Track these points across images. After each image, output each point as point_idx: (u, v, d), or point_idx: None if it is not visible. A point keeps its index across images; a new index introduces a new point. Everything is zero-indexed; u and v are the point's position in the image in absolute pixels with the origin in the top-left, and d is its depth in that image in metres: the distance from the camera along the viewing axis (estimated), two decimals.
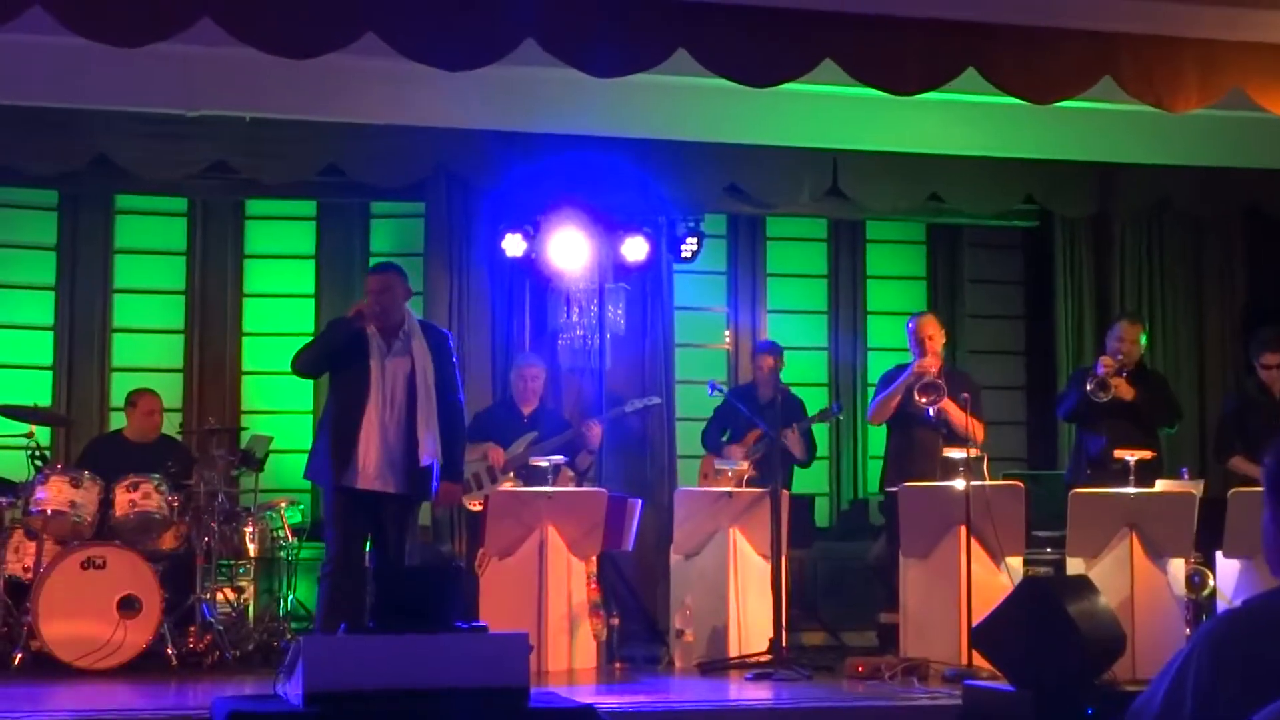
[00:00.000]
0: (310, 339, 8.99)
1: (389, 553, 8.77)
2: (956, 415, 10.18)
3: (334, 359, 8.81)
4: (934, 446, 9.99)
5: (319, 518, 10.13)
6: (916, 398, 10.15)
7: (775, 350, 11.54)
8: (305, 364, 9.07)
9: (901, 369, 10.54)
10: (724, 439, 11.44)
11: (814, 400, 11.98)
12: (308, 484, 10.64)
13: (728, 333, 13.06)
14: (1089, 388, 10.28)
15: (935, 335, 10.48)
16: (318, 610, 8.93)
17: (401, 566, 8.82)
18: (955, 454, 9.50)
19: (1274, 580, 3.00)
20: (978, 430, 10.35)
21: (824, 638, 11.52)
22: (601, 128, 11.34)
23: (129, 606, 9.34)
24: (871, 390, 12.88)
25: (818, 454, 11.66)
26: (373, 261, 12.40)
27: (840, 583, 12.27)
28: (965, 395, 10.13)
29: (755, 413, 10.75)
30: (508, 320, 12.04)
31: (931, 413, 10.13)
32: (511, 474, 10.66)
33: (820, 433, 12.55)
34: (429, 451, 8.69)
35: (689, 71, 9.36)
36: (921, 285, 13.56)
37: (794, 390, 11.47)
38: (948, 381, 10.23)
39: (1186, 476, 10.62)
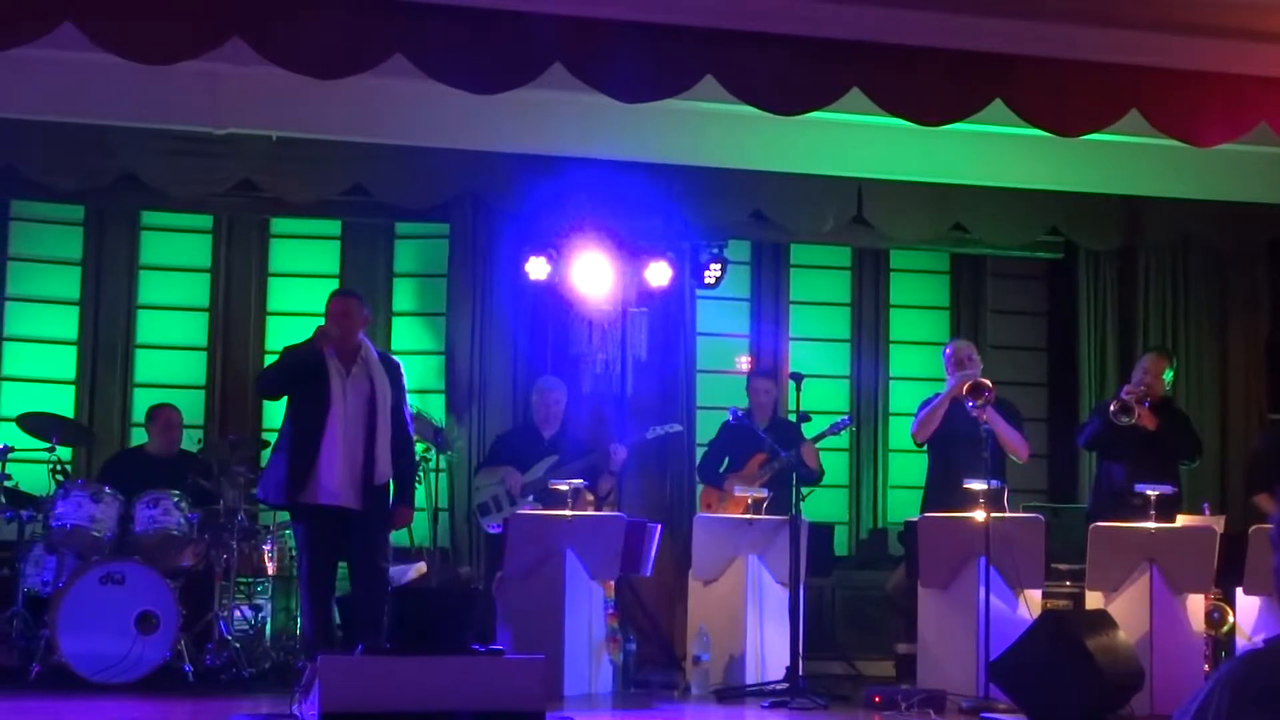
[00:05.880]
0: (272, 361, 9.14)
1: (364, 571, 8.87)
2: (1002, 425, 10.15)
3: (295, 380, 8.93)
4: (973, 469, 9.77)
5: None
6: (965, 395, 9.99)
7: (775, 377, 11.51)
8: (268, 385, 9.42)
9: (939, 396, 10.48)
10: (722, 469, 11.38)
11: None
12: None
13: (740, 358, 13.01)
14: (1112, 409, 10.27)
15: (974, 356, 10.47)
16: (303, 642, 8.94)
17: (380, 584, 8.86)
18: (976, 484, 9.46)
19: None
20: (1022, 446, 10.36)
21: (841, 667, 11.49)
22: (627, 153, 11.37)
23: (147, 622, 9.35)
24: (894, 420, 12.93)
25: (836, 483, 11.61)
26: (397, 283, 12.46)
27: (858, 612, 12.25)
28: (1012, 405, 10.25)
29: (764, 437, 10.75)
30: (530, 343, 12.05)
31: (979, 416, 9.86)
32: (531, 497, 10.65)
33: (840, 461, 12.53)
34: (384, 471, 8.86)
35: (715, 98, 9.40)
36: (945, 315, 13.53)
37: (803, 425, 11.37)
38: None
39: (1208, 511, 10.59)
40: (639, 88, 9.19)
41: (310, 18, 8.58)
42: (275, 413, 12.05)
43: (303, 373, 8.82)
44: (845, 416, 11.67)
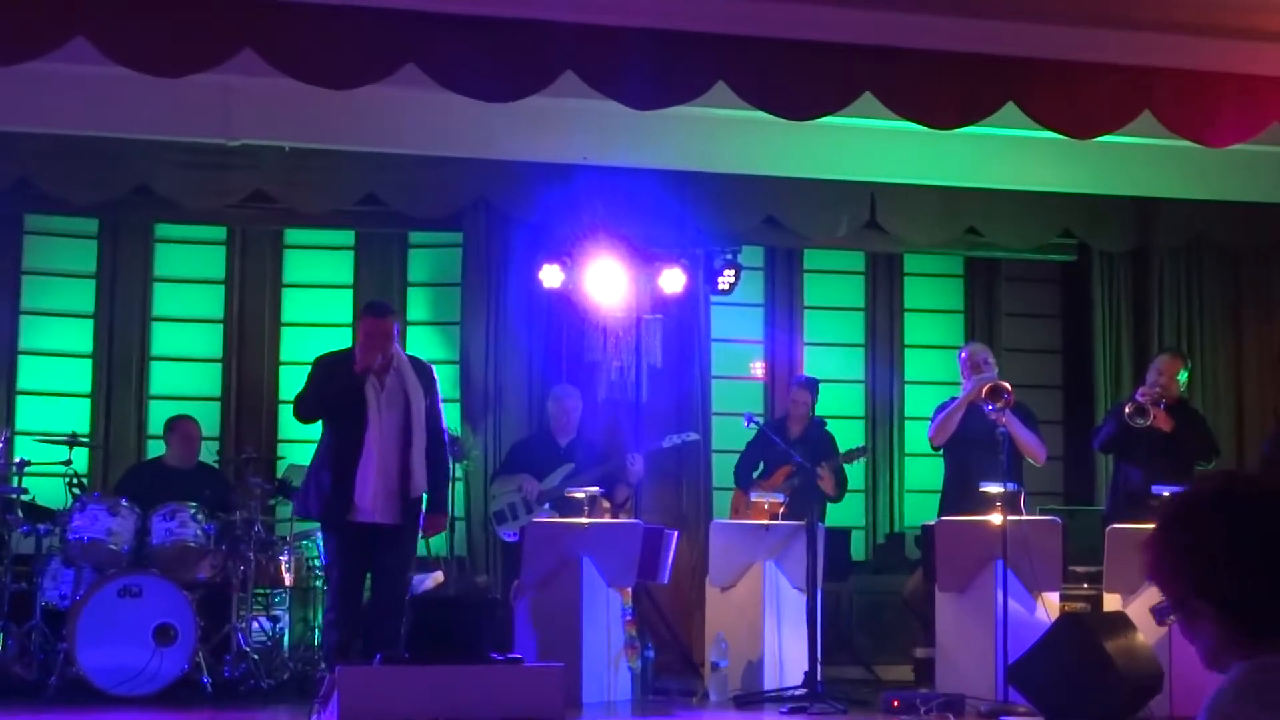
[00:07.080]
0: (306, 383, 9.04)
1: (388, 584, 8.83)
2: (1019, 428, 10.14)
3: (336, 407, 8.84)
4: (990, 472, 9.72)
5: None
6: (984, 398, 9.94)
7: (812, 386, 11.48)
8: (311, 411, 9.07)
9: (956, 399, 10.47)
10: (755, 474, 11.37)
11: (847, 433, 11.93)
12: None
13: (755, 364, 13.01)
14: (1127, 412, 10.23)
15: (989, 359, 10.47)
16: (326, 651, 8.94)
17: (402, 597, 8.85)
18: (992, 488, 9.44)
19: None
20: (1039, 449, 10.35)
21: (859, 672, 11.46)
22: (639, 159, 11.37)
23: (165, 635, 9.34)
24: (909, 424, 12.91)
25: (852, 487, 11.60)
26: (411, 292, 12.46)
27: (876, 617, 12.22)
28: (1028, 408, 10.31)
29: (788, 447, 10.72)
30: (544, 351, 12.06)
31: (998, 419, 9.81)
32: (547, 505, 10.65)
33: (856, 466, 12.50)
34: (419, 484, 8.78)
35: (727, 104, 9.40)
36: (959, 319, 13.51)
37: (827, 425, 11.40)
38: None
39: None
40: (651, 94, 9.19)
41: (322, 29, 8.58)
42: (289, 422, 12.08)
43: (344, 399, 8.76)
44: (864, 446, 11.68)
